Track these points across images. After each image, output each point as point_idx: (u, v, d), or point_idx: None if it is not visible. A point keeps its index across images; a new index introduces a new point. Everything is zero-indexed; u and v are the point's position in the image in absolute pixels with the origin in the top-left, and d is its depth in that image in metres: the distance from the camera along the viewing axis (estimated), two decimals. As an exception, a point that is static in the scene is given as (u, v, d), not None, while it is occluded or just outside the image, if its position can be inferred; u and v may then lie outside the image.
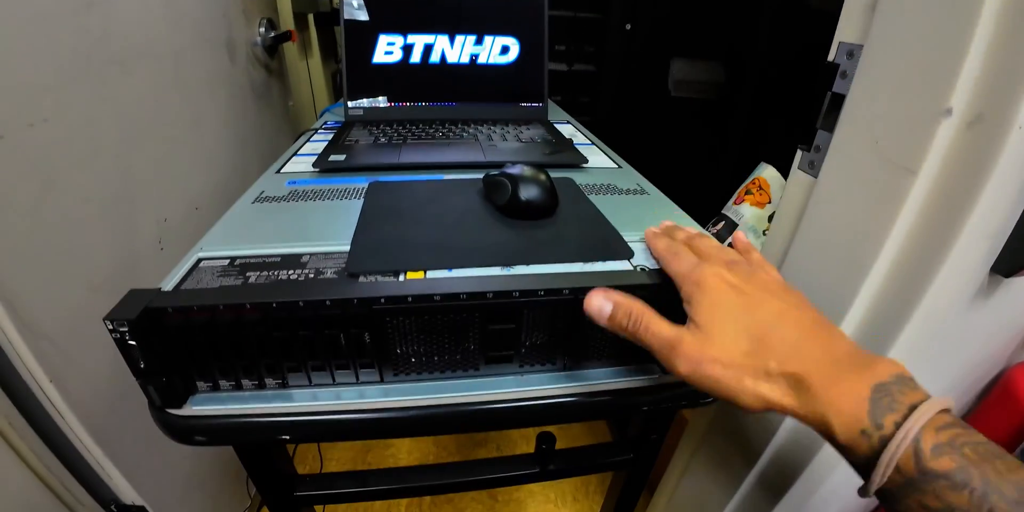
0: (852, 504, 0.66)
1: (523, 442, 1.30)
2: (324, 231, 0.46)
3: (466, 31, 0.79)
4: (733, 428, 0.68)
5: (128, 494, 0.77)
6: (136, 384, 0.36)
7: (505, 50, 0.80)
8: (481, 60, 0.80)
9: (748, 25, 1.34)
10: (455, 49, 0.79)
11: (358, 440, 1.28)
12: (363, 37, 0.77)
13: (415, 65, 0.79)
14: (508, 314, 0.38)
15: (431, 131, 0.72)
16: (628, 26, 1.41)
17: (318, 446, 1.23)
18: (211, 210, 0.92)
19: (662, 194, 0.58)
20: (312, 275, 0.39)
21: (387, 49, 0.77)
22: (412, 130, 0.72)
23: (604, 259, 0.42)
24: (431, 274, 0.39)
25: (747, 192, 1.02)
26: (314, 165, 0.60)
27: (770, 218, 0.98)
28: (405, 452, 1.26)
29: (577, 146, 0.71)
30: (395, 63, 0.78)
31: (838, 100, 0.47)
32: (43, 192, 0.60)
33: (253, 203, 0.52)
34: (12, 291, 0.56)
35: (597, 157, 0.69)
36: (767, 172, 1.02)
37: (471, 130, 0.73)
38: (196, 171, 0.91)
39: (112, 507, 0.77)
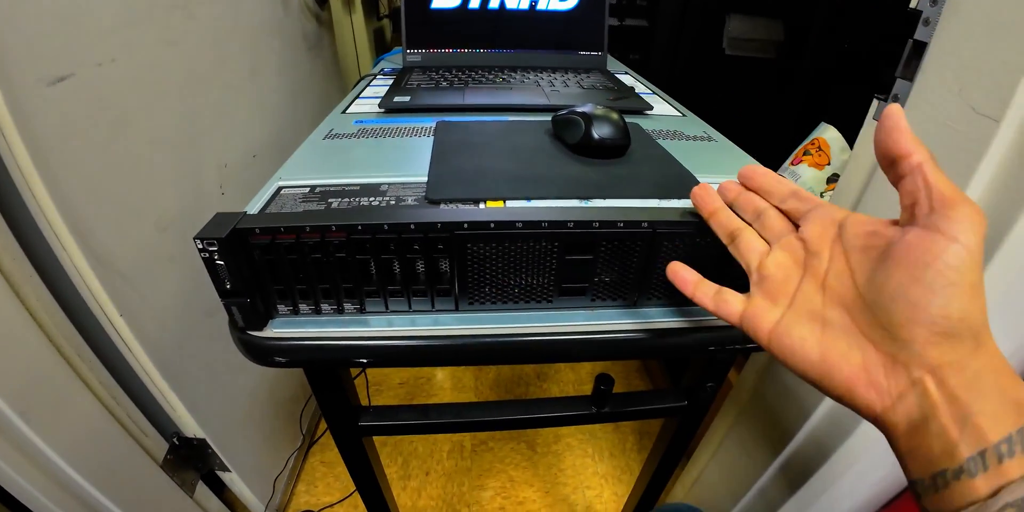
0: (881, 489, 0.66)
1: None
2: (398, 164, 0.46)
3: (526, -25, 0.77)
4: (773, 398, 0.68)
5: (190, 427, 0.80)
6: (200, 322, 0.38)
7: (565, -4, 0.78)
8: (540, 6, 0.78)
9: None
10: (514, -6, 0.77)
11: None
12: (422, -20, 0.76)
13: (474, 11, 0.77)
14: (586, 245, 0.38)
15: (491, 77, 0.71)
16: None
17: (367, 391, 1.27)
18: (268, 158, 0.94)
19: (729, 141, 0.57)
20: (393, 202, 0.39)
21: (446, -7, 0.76)
22: (472, 75, 0.72)
23: (680, 197, 0.42)
24: (510, 204, 0.39)
25: (805, 152, 0.98)
26: (380, 105, 0.60)
27: (829, 180, 0.95)
28: (449, 400, 1.29)
29: (639, 95, 0.69)
30: (454, 8, 0.77)
31: (920, 48, 0.46)
32: (114, 131, 0.61)
33: (324, 139, 0.52)
34: (86, 226, 0.58)
35: (661, 105, 0.67)
36: (828, 133, 0.98)
37: (531, 76, 0.72)
38: (253, 119, 0.92)
39: (174, 439, 0.81)
